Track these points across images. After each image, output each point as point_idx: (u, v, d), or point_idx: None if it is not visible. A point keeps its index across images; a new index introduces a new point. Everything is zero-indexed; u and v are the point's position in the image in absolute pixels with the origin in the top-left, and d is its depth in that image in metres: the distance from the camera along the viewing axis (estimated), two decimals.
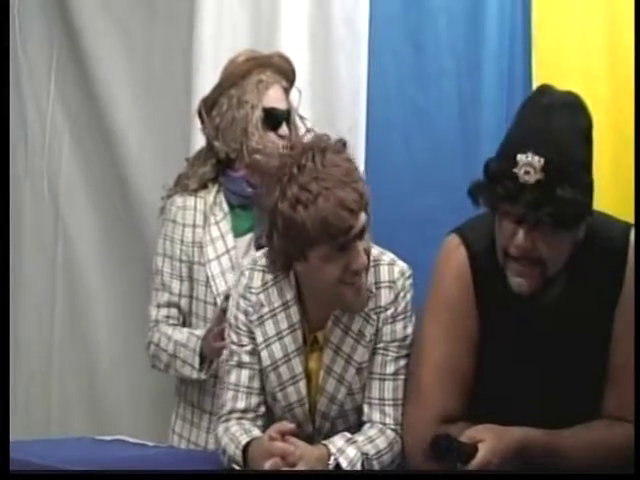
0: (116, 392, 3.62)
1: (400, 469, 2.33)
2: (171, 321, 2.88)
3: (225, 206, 2.89)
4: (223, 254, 2.85)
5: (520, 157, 2.07)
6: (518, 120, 2.18)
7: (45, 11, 3.69)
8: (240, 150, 2.85)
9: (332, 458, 2.22)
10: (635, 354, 2.14)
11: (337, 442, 2.26)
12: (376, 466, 2.27)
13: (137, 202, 3.51)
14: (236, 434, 2.31)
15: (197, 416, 2.89)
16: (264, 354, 2.37)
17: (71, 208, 3.71)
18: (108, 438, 2.67)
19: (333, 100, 3.26)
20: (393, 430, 2.33)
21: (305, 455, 2.19)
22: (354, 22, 3.28)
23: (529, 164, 2.06)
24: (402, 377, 2.35)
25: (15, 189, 3.60)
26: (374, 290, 2.35)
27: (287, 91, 2.93)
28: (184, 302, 2.88)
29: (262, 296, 2.38)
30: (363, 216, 2.19)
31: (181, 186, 2.93)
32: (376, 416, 2.36)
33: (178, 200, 2.90)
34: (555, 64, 3.11)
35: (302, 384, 2.37)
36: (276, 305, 2.37)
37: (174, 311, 2.88)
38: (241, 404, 2.38)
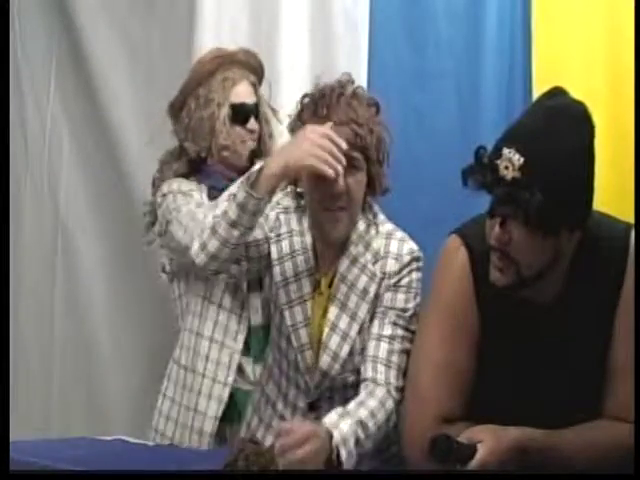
0: (116, 392, 3.62)
1: (400, 469, 2.33)
2: None
3: (206, 200, 2.91)
4: None
5: (505, 151, 2.07)
6: (521, 115, 2.19)
7: (45, 11, 3.70)
8: (209, 148, 2.91)
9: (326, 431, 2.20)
10: (635, 354, 2.14)
11: (331, 417, 2.25)
12: (372, 428, 2.27)
13: (137, 201, 3.51)
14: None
15: (190, 379, 2.90)
16: (276, 270, 2.46)
17: (71, 207, 3.72)
18: (108, 438, 2.67)
19: None
20: (383, 387, 2.35)
21: (299, 428, 2.17)
22: (354, 21, 3.29)
23: (509, 160, 2.07)
24: (397, 345, 2.40)
25: (15, 189, 3.60)
26: (382, 254, 2.44)
27: (255, 86, 2.98)
28: None
29: (282, 217, 2.49)
30: (353, 152, 2.35)
31: (158, 181, 2.96)
32: (368, 372, 2.39)
33: (172, 182, 2.91)
34: (555, 64, 3.11)
35: (309, 304, 2.44)
36: (294, 228, 2.48)
37: None
38: None
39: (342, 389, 2.47)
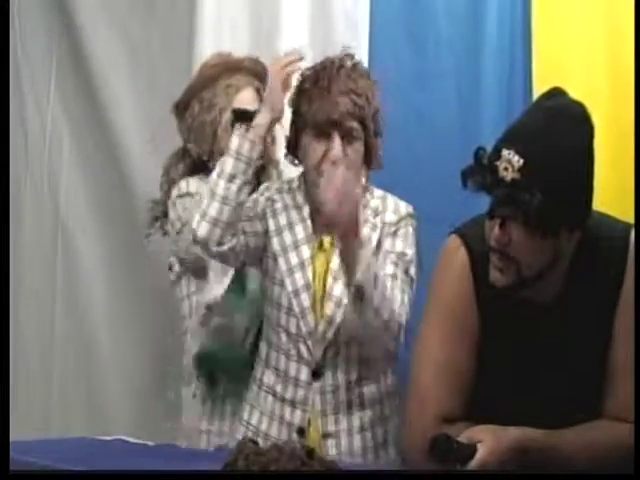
0: (116, 392, 3.62)
1: (400, 469, 2.33)
2: None
3: None
4: None
5: (504, 152, 2.08)
6: (520, 116, 2.19)
7: (45, 11, 3.70)
8: (211, 151, 2.94)
9: None
10: (635, 354, 2.14)
11: None
12: (387, 295, 2.40)
13: (137, 201, 3.51)
14: None
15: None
16: (274, 240, 2.56)
17: (71, 207, 3.72)
18: (108, 438, 2.67)
19: None
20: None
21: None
22: (354, 22, 3.29)
23: (509, 161, 2.07)
24: (399, 284, 2.50)
25: (15, 189, 3.60)
26: (380, 209, 2.58)
27: (260, 91, 2.98)
28: None
29: (277, 196, 2.60)
30: (353, 123, 2.48)
31: (171, 178, 3.01)
32: None
33: (190, 182, 2.94)
34: (555, 64, 3.11)
35: (309, 270, 2.53)
36: (288, 203, 2.59)
37: None
38: None
39: (345, 347, 2.53)
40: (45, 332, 3.72)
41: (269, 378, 2.61)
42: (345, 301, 2.48)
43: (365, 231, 2.49)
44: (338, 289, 2.51)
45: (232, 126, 2.89)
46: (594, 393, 2.20)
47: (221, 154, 2.88)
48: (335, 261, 2.51)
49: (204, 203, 2.45)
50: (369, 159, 2.57)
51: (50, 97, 3.71)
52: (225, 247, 2.47)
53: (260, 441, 2.41)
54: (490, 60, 3.20)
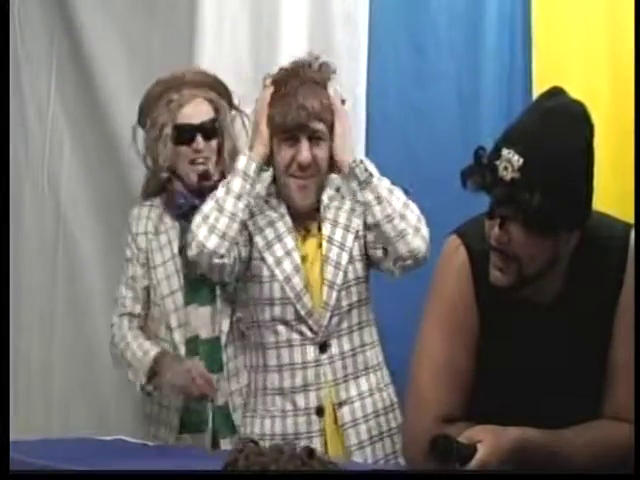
0: (117, 392, 3.62)
1: (400, 469, 2.33)
2: (134, 323, 3.00)
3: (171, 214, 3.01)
4: (169, 260, 2.96)
5: (504, 152, 2.08)
6: (520, 115, 2.19)
7: (45, 11, 3.69)
8: (159, 168, 2.98)
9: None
10: (635, 354, 2.14)
11: None
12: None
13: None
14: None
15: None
16: (257, 238, 2.66)
17: (72, 207, 3.71)
18: (108, 438, 2.67)
19: None
20: None
21: None
22: (354, 22, 3.29)
23: (509, 161, 2.07)
24: None
25: (15, 189, 3.59)
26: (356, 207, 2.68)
27: (213, 102, 2.98)
28: (143, 305, 3.00)
29: (252, 202, 2.63)
30: (319, 125, 2.58)
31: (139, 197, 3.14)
32: None
33: (134, 212, 3.07)
34: (555, 64, 3.12)
35: (295, 254, 2.63)
36: (264, 206, 2.68)
37: (138, 307, 3.00)
38: None
39: (346, 314, 2.62)
40: (45, 332, 3.71)
41: (272, 380, 2.63)
42: (343, 262, 2.59)
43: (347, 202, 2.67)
44: (334, 253, 2.61)
45: (175, 142, 2.94)
46: (594, 393, 2.20)
47: (163, 171, 2.98)
48: (326, 228, 2.63)
49: (212, 217, 2.54)
50: (334, 163, 2.63)
51: (50, 97, 3.71)
52: (225, 260, 2.54)
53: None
54: (490, 60, 3.20)
